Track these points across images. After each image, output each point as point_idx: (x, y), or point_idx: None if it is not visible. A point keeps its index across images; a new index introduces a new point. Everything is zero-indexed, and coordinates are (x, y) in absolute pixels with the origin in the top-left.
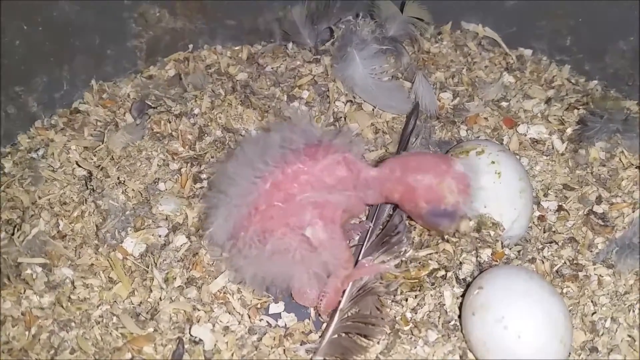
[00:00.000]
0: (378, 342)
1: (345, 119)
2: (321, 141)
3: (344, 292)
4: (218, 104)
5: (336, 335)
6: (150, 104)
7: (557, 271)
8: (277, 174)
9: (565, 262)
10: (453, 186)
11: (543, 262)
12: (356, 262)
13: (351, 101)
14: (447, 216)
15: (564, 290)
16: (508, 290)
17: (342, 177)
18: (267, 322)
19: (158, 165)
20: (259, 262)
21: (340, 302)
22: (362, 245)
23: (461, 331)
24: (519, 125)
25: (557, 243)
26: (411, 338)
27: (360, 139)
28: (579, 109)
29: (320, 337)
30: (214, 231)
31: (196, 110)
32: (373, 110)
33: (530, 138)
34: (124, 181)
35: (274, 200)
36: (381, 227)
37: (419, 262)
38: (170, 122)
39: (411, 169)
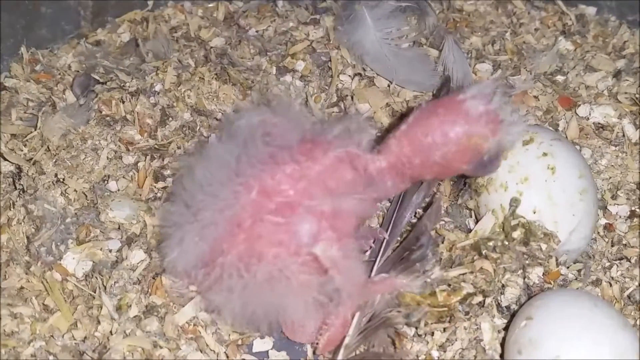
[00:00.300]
0: None
1: (352, 97)
2: (316, 134)
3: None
4: (186, 78)
5: None
6: (97, 78)
7: (629, 296)
8: (265, 179)
9: None
10: (484, 132)
11: (611, 285)
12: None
13: (360, 74)
14: (492, 162)
15: (639, 322)
16: (565, 321)
17: (348, 178)
18: None
19: (108, 158)
20: (243, 295)
21: (344, 337)
22: (375, 261)
23: None
24: (579, 106)
25: (629, 260)
26: None
27: (369, 122)
28: None
29: None
30: (177, 260)
31: (158, 87)
32: (389, 86)
33: (594, 123)
34: (64, 179)
35: (262, 212)
36: (399, 238)
37: (449, 285)
38: (123, 102)
39: (426, 145)
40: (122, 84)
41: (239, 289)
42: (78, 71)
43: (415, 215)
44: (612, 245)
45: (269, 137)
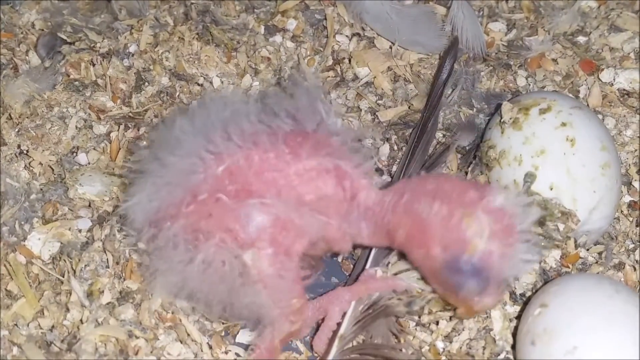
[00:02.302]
0: None
1: (350, 61)
2: (316, 130)
3: (344, 315)
4: (164, 38)
5: None
6: (64, 38)
7: None
8: (237, 157)
9: None
10: (485, 224)
11: (635, 269)
12: (362, 270)
13: (359, 35)
14: (472, 274)
15: None
16: (584, 309)
17: (326, 195)
18: (237, 354)
19: (77, 127)
20: (183, 272)
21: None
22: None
23: None
24: (602, 70)
25: None
26: None
27: (373, 149)
28: None
29: None
30: (132, 208)
31: (132, 48)
32: (391, 48)
33: (618, 89)
34: (28, 151)
35: (221, 191)
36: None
37: None
38: (94, 65)
39: (425, 193)
40: (92, 45)
41: (178, 264)
42: (43, 30)
43: None
44: (637, 225)
45: (267, 115)
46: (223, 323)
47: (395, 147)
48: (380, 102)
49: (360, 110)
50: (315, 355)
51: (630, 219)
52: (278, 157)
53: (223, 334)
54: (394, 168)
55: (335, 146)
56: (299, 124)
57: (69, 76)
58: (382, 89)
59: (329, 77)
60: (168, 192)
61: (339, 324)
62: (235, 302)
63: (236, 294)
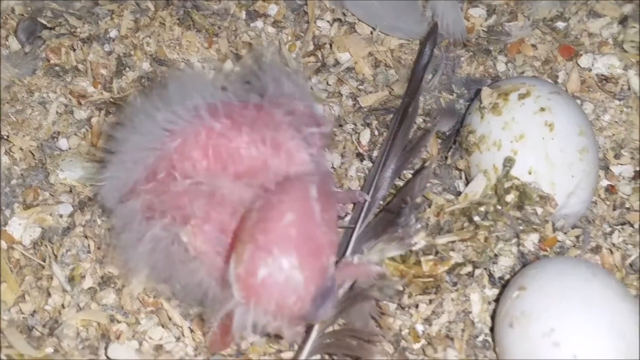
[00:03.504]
0: None
1: (330, 46)
2: (263, 102)
3: None
4: (145, 23)
5: (316, 357)
6: (45, 23)
7: (631, 265)
8: (188, 133)
9: None
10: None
11: (612, 253)
12: (343, 254)
13: (340, 20)
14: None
15: None
16: (561, 292)
17: (265, 167)
18: None
19: (58, 113)
20: (136, 250)
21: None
22: (354, 228)
23: (494, 350)
24: (580, 55)
25: (631, 225)
26: None
27: (353, 132)
28: None
29: (292, 359)
30: (102, 189)
31: (113, 33)
32: (372, 33)
33: (596, 74)
34: (8, 136)
35: (175, 168)
36: (381, 202)
37: (436, 254)
38: (74, 50)
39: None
40: (72, 30)
41: (135, 240)
42: (23, 15)
43: (400, 178)
44: (614, 209)
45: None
46: (204, 307)
47: (376, 133)
48: (361, 87)
49: (341, 95)
50: (295, 340)
51: (608, 203)
52: (222, 131)
53: (205, 317)
54: (375, 153)
55: (279, 118)
56: (257, 97)
57: (49, 61)
58: (363, 75)
59: (309, 62)
60: (131, 170)
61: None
62: (182, 281)
63: (179, 273)
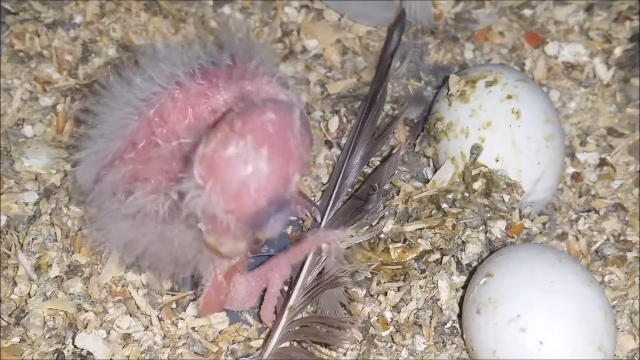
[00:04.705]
0: (345, 354)
1: (298, 33)
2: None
3: (293, 282)
4: (111, 8)
5: (285, 345)
6: (8, 8)
7: (596, 251)
8: (164, 99)
9: (608, 239)
10: None
11: (577, 239)
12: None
13: (307, 7)
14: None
15: (606, 279)
16: (527, 278)
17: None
18: (188, 326)
19: (22, 99)
20: (120, 224)
21: (287, 296)
22: (323, 215)
23: (461, 336)
24: (547, 43)
25: (597, 212)
26: (391, 347)
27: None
28: (632, 19)
29: (261, 346)
30: (77, 172)
31: (78, 19)
32: (340, 20)
33: (563, 62)
34: None
35: (156, 135)
36: (350, 189)
37: (404, 241)
38: (39, 36)
39: None
40: (36, 15)
41: (117, 216)
42: None
43: (369, 165)
44: (580, 196)
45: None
46: (173, 294)
47: (345, 120)
48: (329, 74)
49: (309, 82)
50: (265, 326)
51: (574, 190)
52: (199, 90)
53: (174, 306)
54: (343, 140)
55: (253, 70)
56: (228, 58)
57: (13, 47)
58: (331, 62)
59: (277, 49)
60: (108, 145)
61: (282, 292)
62: (169, 246)
63: (165, 236)
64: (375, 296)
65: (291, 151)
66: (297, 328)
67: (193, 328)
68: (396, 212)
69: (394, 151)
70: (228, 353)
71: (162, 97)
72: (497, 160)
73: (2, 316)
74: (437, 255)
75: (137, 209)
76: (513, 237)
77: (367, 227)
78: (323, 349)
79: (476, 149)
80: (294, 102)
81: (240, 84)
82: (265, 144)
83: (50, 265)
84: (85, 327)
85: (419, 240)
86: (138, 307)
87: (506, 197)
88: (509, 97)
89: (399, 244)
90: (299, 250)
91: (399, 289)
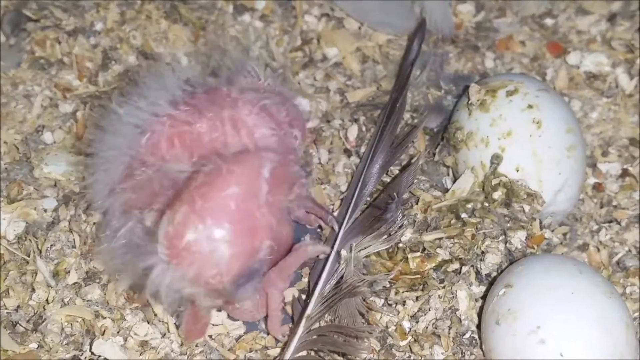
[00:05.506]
0: None
1: (318, 41)
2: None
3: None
4: (131, 16)
5: (302, 353)
6: (30, 15)
7: (618, 262)
8: (155, 127)
9: (629, 250)
10: None
11: (599, 250)
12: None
13: (328, 15)
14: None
15: (628, 290)
16: (547, 289)
17: (226, 144)
18: (205, 334)
19: (42, 106)
20: (118, 248)
21: (304, 305)
22: (341, 224)
23: (480, 347)
24: (569, 52)
25: (619, 223)
26: (409, 357)
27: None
28: None
29: (279, 355)
30: (88, 188)
31: (99, 26)
32: (360, 28)
33: (585, 72)
34: None
35: (147, 164)
36: (368, 198)
37: (423, 251)
38: (59, 43)
39: None
40: (57, 22)
41: (113, 237)
42: (7, 7)
43: (388, 174)
44: (601, 207)
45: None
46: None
47: (364, 128)
48: (349, 82)
49: (329, 91)
50: (281, 338)
51: (595, 200)
52: (183, 118)
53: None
54: (363, 149)
55: (235, 96)
56: (212, 80)
57: (34, 54)
58: (351, 70)
59: (297, 57)
60: (109, 171)
61: (300, 301)
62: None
63: (137, 260)
64: (394, 305)
65: (256, 224)
66: (314, 337)
67: (210, 336)
68: (415, 221)
69: (413, 160)
70: None
71: (151, 124)
72: (517, 170)
73: (20, 322)
74: (456, 265)
75: (127, 234)
76: (533, 248)
77: (385, 236)
78: (340, 359)
79: (496, 159)
80: (272, 151)
81: (221, 112)
82: (226, 224)
83: (69, 271)
84: (103, 334)
85: (438, 250)
86: (155, 315)
87: (526, 207)
88: (530, 106)
89: (418, 254)
90: (286, 264)
91: (417, 298)
